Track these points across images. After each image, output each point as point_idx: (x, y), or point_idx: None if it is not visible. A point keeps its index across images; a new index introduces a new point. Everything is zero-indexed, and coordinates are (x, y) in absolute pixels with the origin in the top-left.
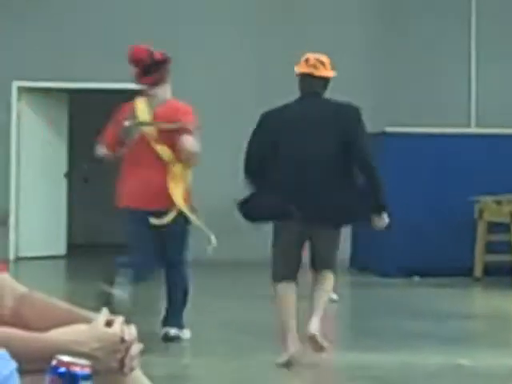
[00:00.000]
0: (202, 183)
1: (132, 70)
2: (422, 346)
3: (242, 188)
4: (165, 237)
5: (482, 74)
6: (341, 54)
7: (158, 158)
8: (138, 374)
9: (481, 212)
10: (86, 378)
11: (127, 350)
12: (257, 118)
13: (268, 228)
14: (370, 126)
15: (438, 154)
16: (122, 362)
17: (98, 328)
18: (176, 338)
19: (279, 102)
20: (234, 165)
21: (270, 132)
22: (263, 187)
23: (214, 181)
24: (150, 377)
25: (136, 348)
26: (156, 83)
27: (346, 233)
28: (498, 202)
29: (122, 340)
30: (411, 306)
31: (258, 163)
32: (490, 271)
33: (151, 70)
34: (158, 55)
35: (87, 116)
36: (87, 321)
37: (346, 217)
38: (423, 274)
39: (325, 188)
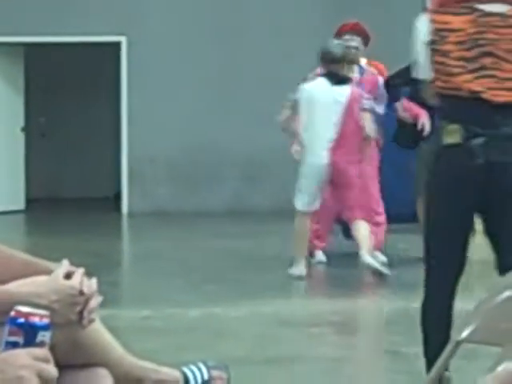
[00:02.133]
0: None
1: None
2: (380, 292)
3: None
4: None
5: None
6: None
7: None
8: (97, 326)
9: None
10: (45, 328)
11: (86, 302)
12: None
13: None
14: None
15: None
16: (80, 315)
17: (56, 280)
18: None
19: None
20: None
21: None
22: None
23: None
24: (109, 329)
25: (95, 301)
26: None
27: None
28: None
29: (81, 292)
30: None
31: None
32: None
33: None
34: None
35: (43, 70)
36: (47, 272)
37: None
38: None
39: None
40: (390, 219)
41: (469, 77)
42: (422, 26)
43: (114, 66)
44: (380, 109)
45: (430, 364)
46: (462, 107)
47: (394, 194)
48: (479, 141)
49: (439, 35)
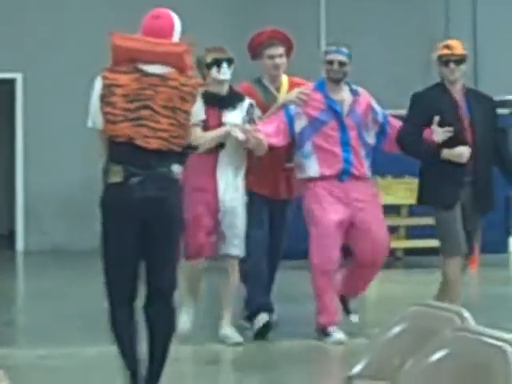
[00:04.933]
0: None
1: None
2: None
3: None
4: None
5: None
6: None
7: None
8: None
9: None
10: None
11: None
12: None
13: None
14: None
15: None
16: None
17: None
18: None
19: None
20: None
21: None
22: None
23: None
24: (5, 368)
25: None
26: None
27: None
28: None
29: None
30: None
31: None
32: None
33: None
34: None
35: None
36: None
37: None
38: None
39: None
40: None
41: (128, 125)
42: (98, 83)
43: (9, 103)
44: None
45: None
46: (122, 151)
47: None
48: (136, 179)
49: (109, 90)
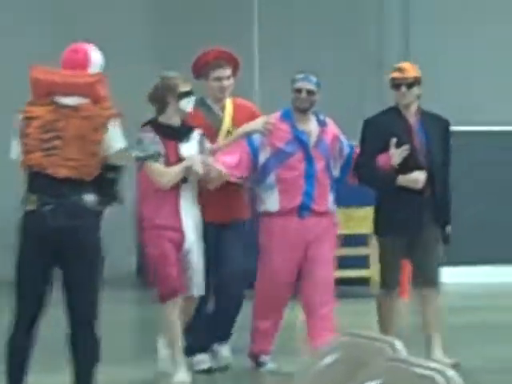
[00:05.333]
0: None
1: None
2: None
3: None
4: None
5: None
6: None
7: None
8: None
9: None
10: None
11: None
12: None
13: None
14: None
15: None
16: None
17: None
18: None
19: None
20: None
21: None
22: None
23: None
24: None
25: None
26: None
27: (131, 244)
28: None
29: None
30: None
31: None
32: None
33: None
34: None
35: None
36: None
37: None
38: None
39: None
40: None
41: (41, 154)
42: (17, 117)
43: None
44: None
45: None
46: (37, 180)
47: None
48: (48, 208)
49: (26, 122)
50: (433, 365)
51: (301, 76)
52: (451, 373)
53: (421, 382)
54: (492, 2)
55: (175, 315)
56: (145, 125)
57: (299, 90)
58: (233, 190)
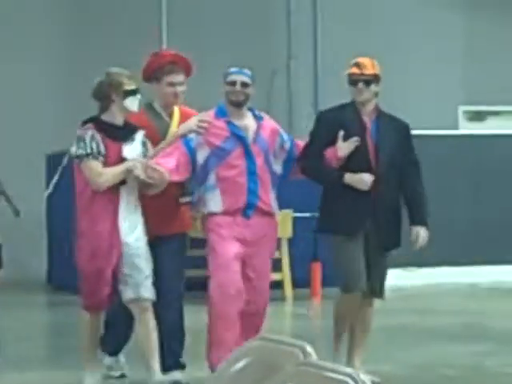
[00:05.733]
0: None
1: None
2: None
3: None
4: None
5: None
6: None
7: None
8: None
9: None
10: None
11: None
12: None
13: None
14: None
15: None
16: None
17: None
18: None
19: None
20: None
21: None
22: None
23: None
24: None
25: None
26: None
27: (42, 248)
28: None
29: None
30: None
31: None
32: None
33: None
34: None
35: None
36: None
37: None
38: None
39: None
40: None
41: None
42: None
43: None
44: None
45: None
46: None
47: None
48: None
49: None
50: (344, 369)
51: (234, 69)
52: (363, 377)
53: None
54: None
55: (94, 326)
56: (86, 122)
57: (233, 83)
58: (170, 201)
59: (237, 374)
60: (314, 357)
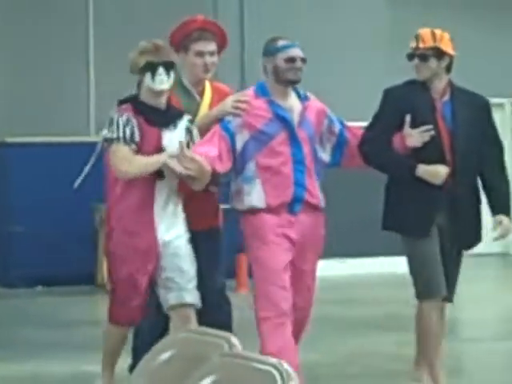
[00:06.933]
0: None
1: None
2: (50, 356)
3: None
4: None
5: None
6: None
7: None
8: None
9: (102, 220)
10: None
11: None
12: None
13: None
14: None
15: (58, 163)
16: None
17: None
18: None
19: None
20: None
21: None
22: None
23: None
24: None
25: None
26: None
27: None
28: None
29: None
30: (37, 316)
31: None
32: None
33: None
34: None
35: None
36: None
37: None
38: (47, 283)
39: None
40: None
41: None
42: None
43: None
44: None
45: None
46: None
47: None
48: None
49: None
50: (268, 359)
51: (286, 43)
52: (286, 367)
53: (257, 377)
54: None
55: (124, 338)
56: (122, 102)
57: (292, 59)
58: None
59: (161, 366)
60: (239, 348)
